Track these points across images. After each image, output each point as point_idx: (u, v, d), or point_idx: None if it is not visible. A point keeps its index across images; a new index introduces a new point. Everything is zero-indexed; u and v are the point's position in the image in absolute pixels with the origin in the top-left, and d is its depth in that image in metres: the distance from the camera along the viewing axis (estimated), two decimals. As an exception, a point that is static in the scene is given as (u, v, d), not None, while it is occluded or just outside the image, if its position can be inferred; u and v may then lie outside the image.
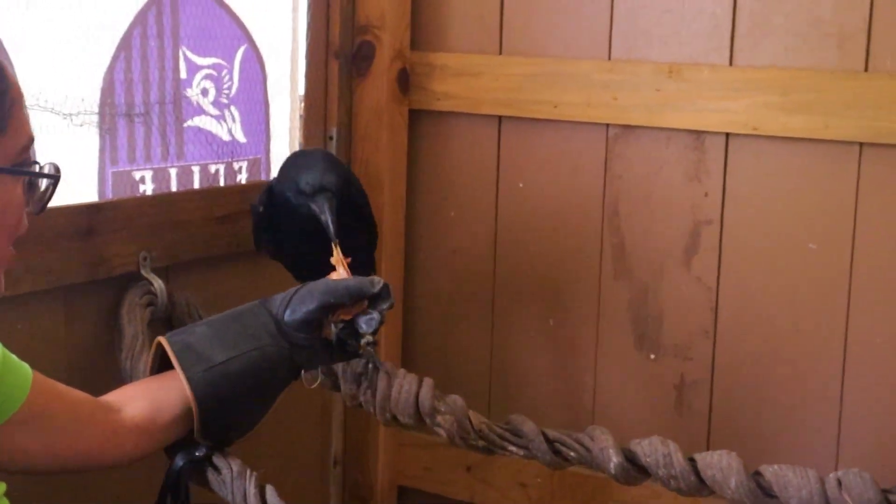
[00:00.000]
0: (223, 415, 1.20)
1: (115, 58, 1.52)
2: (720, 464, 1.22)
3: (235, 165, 1.75)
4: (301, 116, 1.81)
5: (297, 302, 1.23)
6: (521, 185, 1.84)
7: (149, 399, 1.21)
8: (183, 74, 1.62)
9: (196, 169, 1.68)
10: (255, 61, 1.76)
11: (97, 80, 1.50)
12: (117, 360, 1.42)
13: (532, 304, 1.85)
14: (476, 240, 1.89)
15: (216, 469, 1.21)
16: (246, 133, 1.76)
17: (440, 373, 1.89)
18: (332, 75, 1.83)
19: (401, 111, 1.87)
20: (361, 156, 1.87)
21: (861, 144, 1.56)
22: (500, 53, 1.80)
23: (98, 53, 1.49)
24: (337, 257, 1.29)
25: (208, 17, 1.65)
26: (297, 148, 1.82)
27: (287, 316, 1.23)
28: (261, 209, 1.45)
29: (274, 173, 1.59)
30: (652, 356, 1.75)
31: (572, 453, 1.30)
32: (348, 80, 1.85)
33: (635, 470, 1.27)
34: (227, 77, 1.71)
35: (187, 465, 1.20)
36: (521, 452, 1.31)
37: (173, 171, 1.64)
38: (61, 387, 1.17)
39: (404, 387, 1.33)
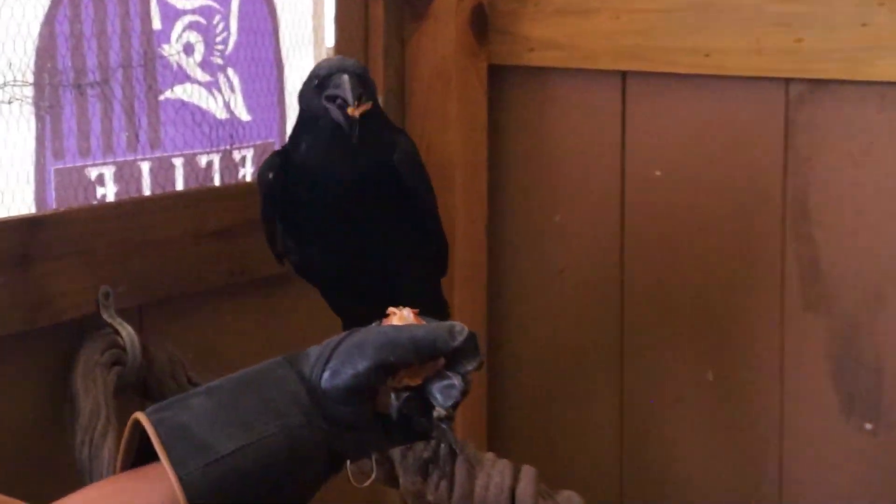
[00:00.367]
0: (231, 533, 1.17)
1: (55, 2, 1.52)
2: None
3: (236, 155, 1.76)
4: (330, 81, 1.85)
5: (340, 360, 1.20)
6: (657, 173, 1.85)
7: (118, 510, 1.18)
8: (156, 24, 1.63)
9: (178, 162, 1.68)
10: (260, 2, 1.77)
11: (30, 35, 1.51)
12: (69, 446, 1.42)
13: (681, 349, 1.87)
14: (593, 255, 1.91)
15: None
16: (250, 108, 1.77)
17: (544, 457, 1.91)
18: (376, 18, 1.86)
19: (477, 68, 1.89)
20: (420, 135, 1.88)
21: None
22: (625, -22, 1.84)
23: (31, -4, 1.51)
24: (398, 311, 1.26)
25: (192, -63, 1.67)
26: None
27: (326, 381, 1.20)
28: (271, 176, 1.45)
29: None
30: (868, 426, 1.75)
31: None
32: (398, 25, 1.88)
33: None
34: (220, 26, 1.72)
35: None
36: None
37: (145, 166, 1.64)
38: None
39: (494, 479, 1.34)
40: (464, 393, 1.20)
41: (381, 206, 1.41)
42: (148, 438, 1.17)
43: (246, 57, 1.75)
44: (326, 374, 1.20)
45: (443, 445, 1.36)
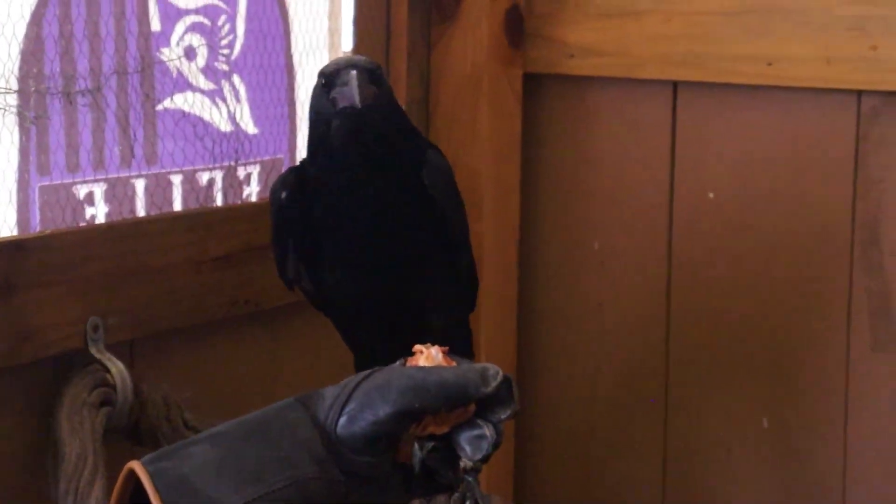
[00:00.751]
0: None
1: (41, 1, 1.52)
2: None
3: (241, 172, 1.76)
4: (348, 89, 1.85)
5: (359, 403, 1.20)
6: (710, 195, 1.84)
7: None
8: (155, 25, 1.63)
9: (177, 179, 1.68)
10: (271, 1, 1.77)
11: (14, 36, 1.50)
12: (52, 496, 1.42)
13: (732, 392, 1.86)
14: (636, 287, 1.90)
15: None
16: (258, 119, 1.77)
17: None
18: (399, 20, 1.86)
19: (511, 77, 1.89)
20: (445, 151, 1.79)
21: None
22: (677, -23, 1.83)
23: (16, -7, 1.51)
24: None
25: (195, -71, 1.67)
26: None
27: (343, 427, 1.20)
28: (284, 195, 1.44)
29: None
30: None
31: None
32: (425, 27, 1.88)
33: None
34: (226, 28, 1.72)
35: None
36: None
37: (140, 184, 1.64)
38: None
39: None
40: (496, 445, 1.20)
41: (407, 228, 1.40)
42: (143, 490, 1.17)
43: (254, 63, 1.75)
44: (343, 420, 1.20)
45: (468, 499, 1.29)
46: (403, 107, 1.80)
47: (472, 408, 1.20)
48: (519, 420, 1.96)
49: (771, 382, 1.83)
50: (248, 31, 1.75)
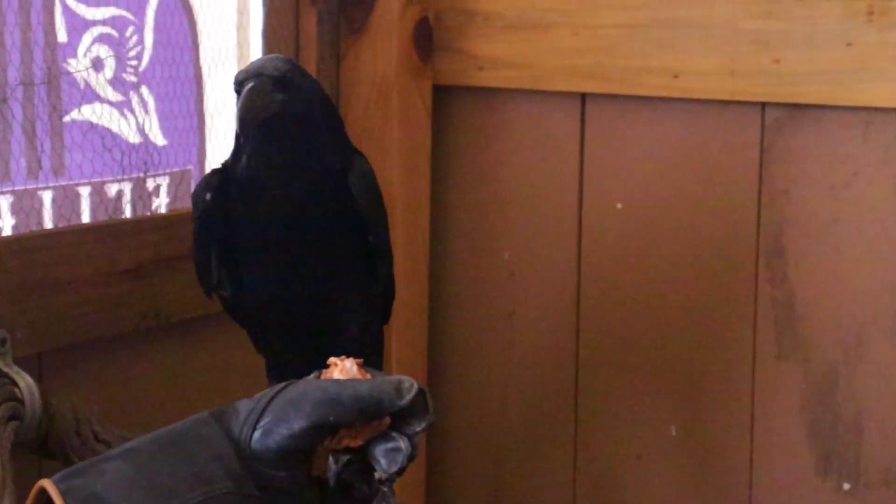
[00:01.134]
0: None
1: None
2: None
3: (150, 184, 1.75)
4: (256, 101, 1.84)
5: (273, 417, 1.19)
6: (618, 206, 1.85)
7: None
8: (62, 36, 1.62)
9: (85, 191, 1.67)
10: (179, 12, 1.77)
11: None
12: None
13: (642, 401, 1.86)
14: (547, 297, 1.91)
15: None
16: (166, 131, 1.76)
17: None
18: (308, 32, 1.86)
19: (420, 88, 1.89)
20: None
21: None
22: (584, -10, 1.84)
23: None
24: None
25: (102, -60, 1.65)
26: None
27: (257, 441, 1.19)
28: (208, 197, 1.42)
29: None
30: (846, 486, 1.76)
31: None
32: (334, 39, 1.88)
33: None
34: (134, 39, 1.71)
35: None
36: None
37: (47, 196, 1.63)
38: None
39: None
40: (411, 458, 1.21)
41: (329, 233, 1.40)
42: (53, 508, 1.17)
43: (162, 74, 1.75)
44: (258, 434, 1.19)
45: (384, 512, 1.35)
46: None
47: (387, 420, 1.20)
48: (431, 430, 1.97)
49: (679, 391, 1.84)
50: (156, 43, 1.74)
